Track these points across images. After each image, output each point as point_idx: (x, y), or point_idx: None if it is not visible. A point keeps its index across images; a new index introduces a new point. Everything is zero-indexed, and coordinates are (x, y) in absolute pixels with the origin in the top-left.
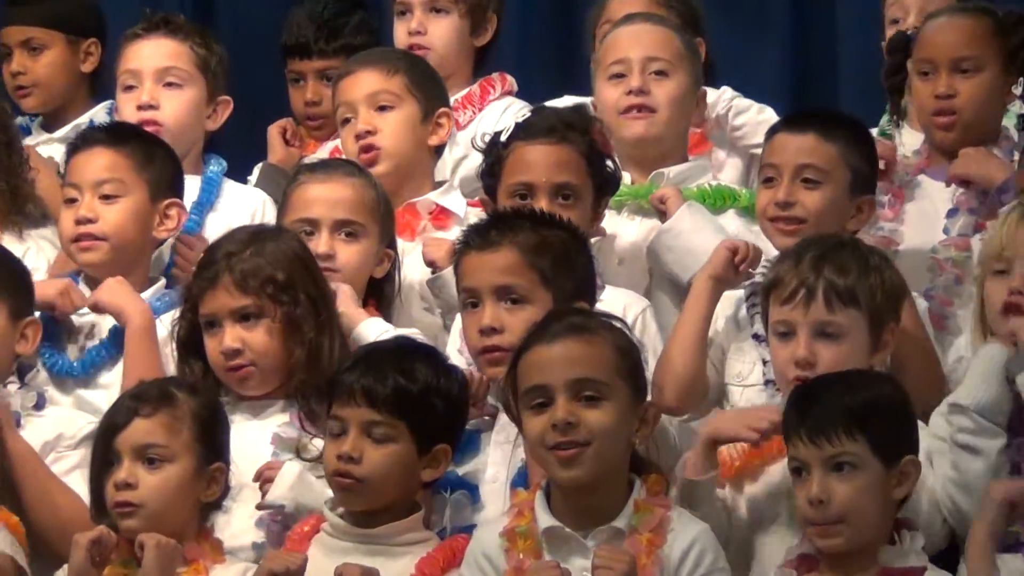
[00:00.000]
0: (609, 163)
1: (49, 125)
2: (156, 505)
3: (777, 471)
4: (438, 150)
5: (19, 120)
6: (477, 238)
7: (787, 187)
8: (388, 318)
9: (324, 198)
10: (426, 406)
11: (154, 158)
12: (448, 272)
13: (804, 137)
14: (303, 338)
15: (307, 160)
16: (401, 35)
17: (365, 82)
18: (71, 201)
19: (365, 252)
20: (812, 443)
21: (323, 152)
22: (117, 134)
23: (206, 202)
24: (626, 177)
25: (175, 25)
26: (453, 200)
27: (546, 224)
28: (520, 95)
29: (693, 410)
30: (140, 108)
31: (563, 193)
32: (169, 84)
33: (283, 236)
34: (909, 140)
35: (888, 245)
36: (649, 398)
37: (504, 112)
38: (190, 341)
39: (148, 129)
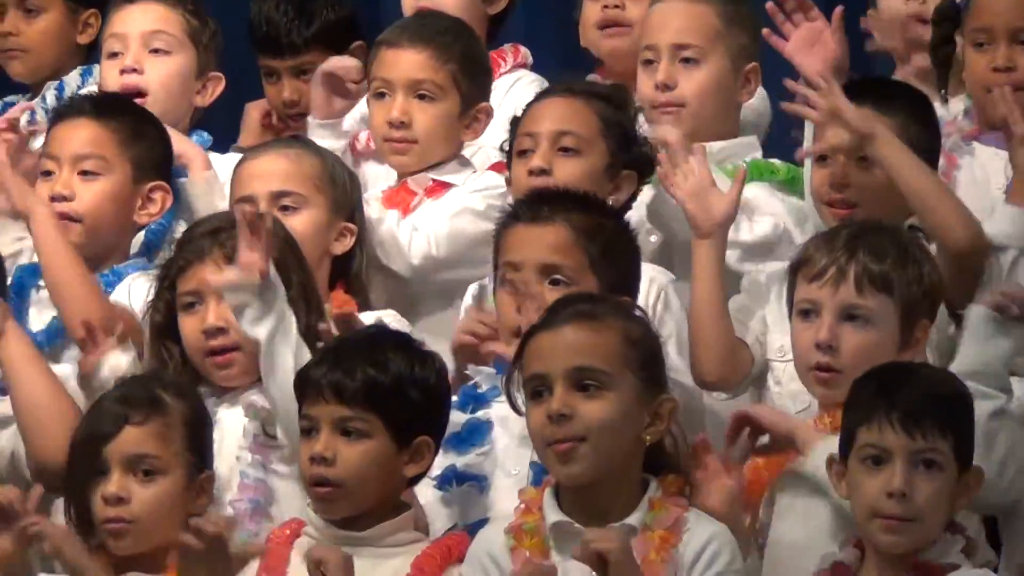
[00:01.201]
0: (641, 144)
1: (32, 94)
2: (149, 520)
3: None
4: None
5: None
6: (527, 210)
7: (842, 167)
8: (363, 299)
9: (258, 172)
10: (400, 397)
11: (143, 136)
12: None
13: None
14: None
15: None
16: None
17: (408, 65)
18: (47, 173)
19: (307, 224)
20: (904, 432)
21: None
22: (105, 106)
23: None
24: None
25: None
26: (453, 176)
27: (598, 210)
28: (536, 69)
29: (736, 384)
30: (123, 72)
31: (563, 145)
32: (156, 51)
33: (273, 220)
34: (956, 108)
35: None
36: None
37: (513, 86)
38: (167, 324)
39: (131, 96)
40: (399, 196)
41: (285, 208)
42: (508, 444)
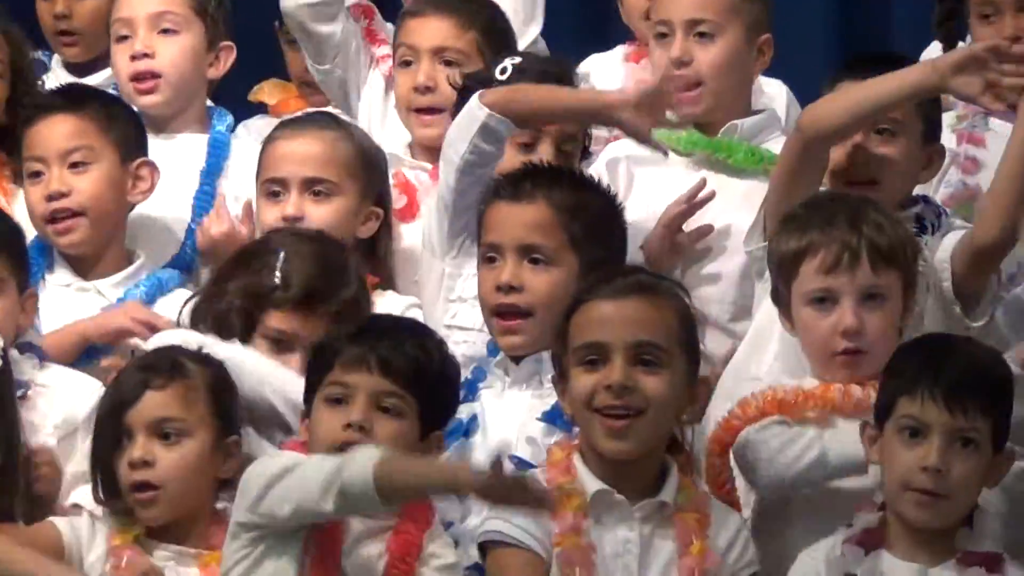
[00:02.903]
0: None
1: (78, 69)
2: (176, 485)
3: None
4: None
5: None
6: (509, 187)
7: (862, 139)
8: (389, 282)
9: (292, 154)
10: (438, 386)
11: (117, 117)
12: None
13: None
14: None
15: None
16: None
17: (432, 31)
18: (35, 175)
19: (339, 211)
20: (947, 409)
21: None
22: (74, 97)
23: (215, 168)
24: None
25: None
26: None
27: (585, 186)
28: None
29: (1006, 251)
30: (134, 58)
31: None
32: (164, 31)
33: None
34: None
35: (970, 198)
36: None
37: None
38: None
39: (145, 80)
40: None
41: (316, 194)
42: (496, 431)
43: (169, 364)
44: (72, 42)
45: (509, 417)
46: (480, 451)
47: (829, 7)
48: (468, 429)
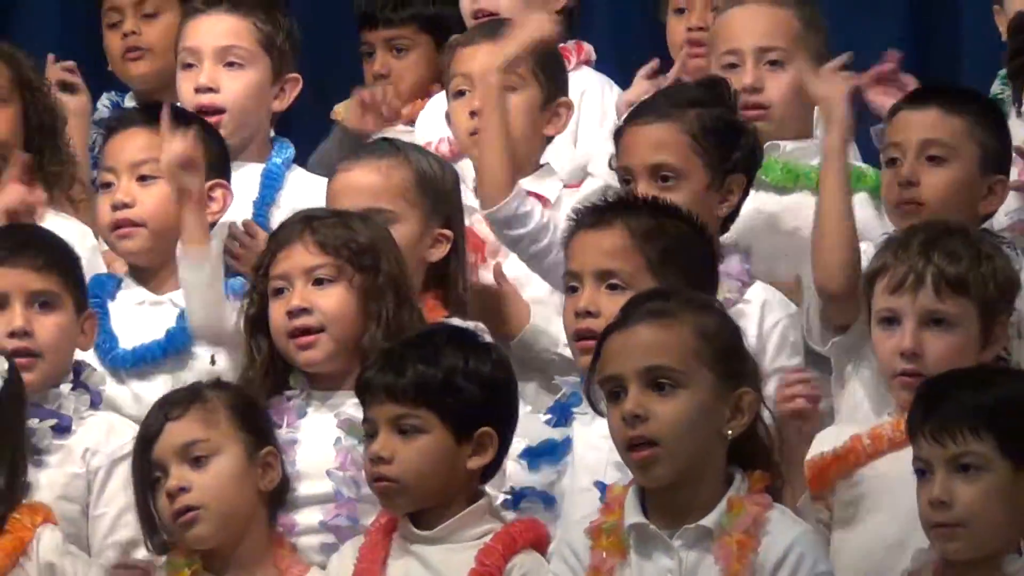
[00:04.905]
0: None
1: (148, 99)
2: (217, 504)
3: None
4: (548, 138)
5: (108, 96)
6: (590, 216)
7: (911, 165)
8: (458, 305)
9: (348, 187)
10: (453, 391)
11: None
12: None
13: (927, 112)
14: (380, 312)
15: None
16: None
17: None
18: (107, 185)
19: (403, 238)
20: (936, 441)
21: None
22: (153, 113)
23: (268, 199)
24: None
25: None
26: (549, 186)
27: (666, 213)
28: (607, 66)
29: (851, 300)
30: (198, 91)
31: (661, 175)
32: (230, 64)
33: (373, 219)
34: None
35: None
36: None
37: (584, 88)
38: (260, 316)
39: (209, 115)
40: None
41: None
42: (585, 456)
43: (185, 395)
44: (138, 56)
45: (598, 444)
46: (570, 475)
47: (902, 34)
48: (561, 452)
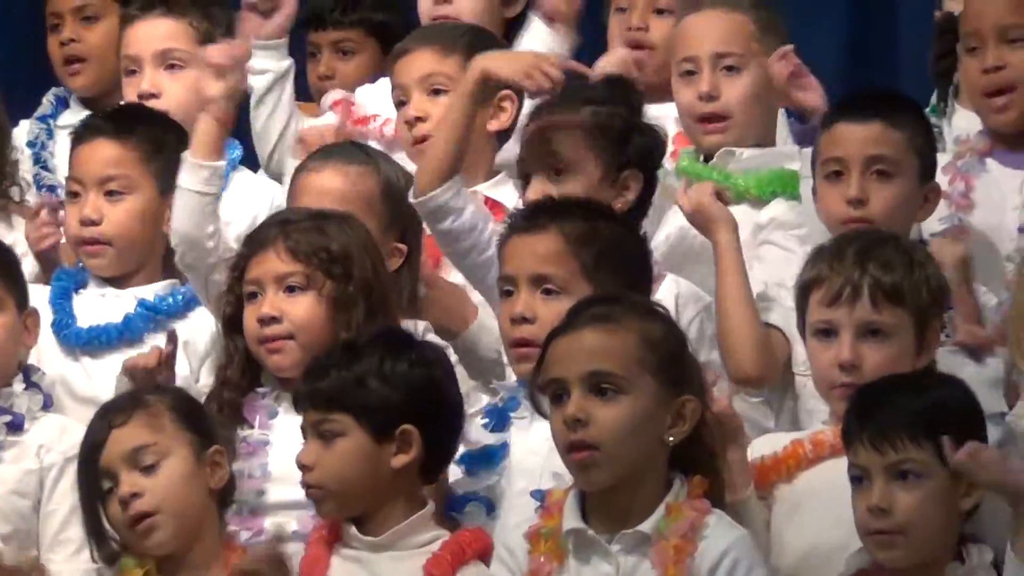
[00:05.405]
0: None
1: (93, 103)
2: (172, 506)
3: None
4: (500, 136)
5: (55, 91)
6: (523, 220)
7: (859, 183)
8: (412, 318)
9: (311, 188)
10: (366, 392)
11: (162, 146)
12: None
13: (869, 127)
14: (351, 320)
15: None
16: (425, 5)
17: (419, 63)
18: (74, 195)
19: None
20: (874, 449)
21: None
22: (122, 122)
23: None
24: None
25: (172, 1)
26: (505, 192)
27: (600, 215)
28: None
29: (773, 380)
30: (141, 97)
31: (555, 168)
32: (171, 66)
33: (351, 221)
34: (963, 124)
35: (960, 235)
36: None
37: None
38: (236, 316)
39: None
40: None
41: None
42: (523, 460)
43: (126, 401)
44: (77, 70)
45: (536, 449)
46: (506, 479)
47: (840, 35)
48: (497, 457)
